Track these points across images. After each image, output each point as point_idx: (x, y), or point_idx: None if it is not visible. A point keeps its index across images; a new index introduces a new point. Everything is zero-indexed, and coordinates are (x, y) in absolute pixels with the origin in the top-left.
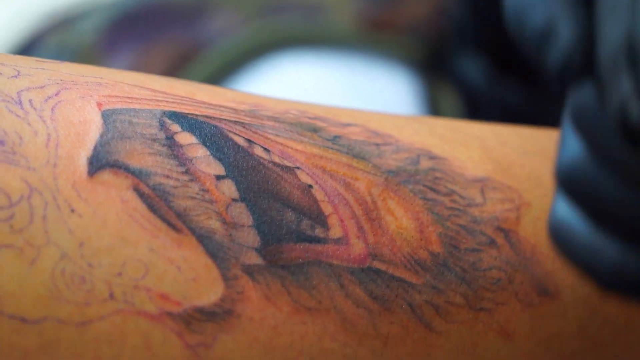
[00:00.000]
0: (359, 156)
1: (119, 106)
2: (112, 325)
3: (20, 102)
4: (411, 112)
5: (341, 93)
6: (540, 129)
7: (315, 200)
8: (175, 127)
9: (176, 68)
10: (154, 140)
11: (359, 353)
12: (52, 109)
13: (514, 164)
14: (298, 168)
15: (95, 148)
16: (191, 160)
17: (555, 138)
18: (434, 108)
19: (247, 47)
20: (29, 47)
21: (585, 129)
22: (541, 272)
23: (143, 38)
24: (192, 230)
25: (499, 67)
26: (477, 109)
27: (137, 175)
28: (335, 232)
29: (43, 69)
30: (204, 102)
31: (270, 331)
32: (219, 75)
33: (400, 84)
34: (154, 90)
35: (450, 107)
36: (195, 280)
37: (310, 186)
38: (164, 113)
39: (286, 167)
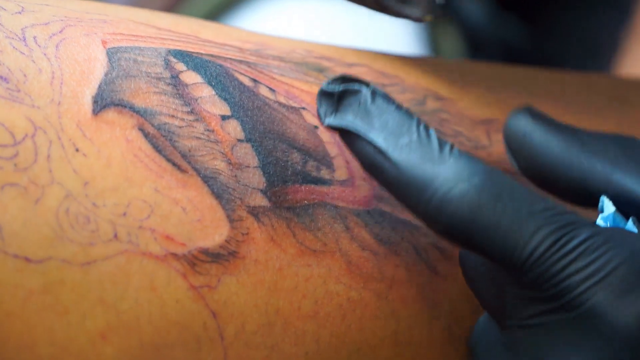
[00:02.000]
0: None
1: (123, 44)
2: (117, 266)
3: (24, 39)
4: (413, 52)
5: (344, 32)
6: (543, 69)
7: (321, 141)
8: (180, 66)
9: (176, 3)
10: (159, 79)
11: (364, 296)
12: (57, 46)
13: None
14: (304, 108)
15: (100, 87)
16: (196, 100)
17: (558, 79)
18: (436, 48)
19: None
20: None
21: None
22: None
23: None
24: (197, 171)
25: (500, 6)
26: (479, 48)
27: (142, 114)
28: (341, 173)
29: (47, 5)
30: (209, 41)
31: (275, 273)
32: (219, 11)
33: (402, 24)
34: (159, 28)
35: (453, 47)
36: (200, 221)
37: (316, 127)
38: (169, 51)
39: (292, 107)
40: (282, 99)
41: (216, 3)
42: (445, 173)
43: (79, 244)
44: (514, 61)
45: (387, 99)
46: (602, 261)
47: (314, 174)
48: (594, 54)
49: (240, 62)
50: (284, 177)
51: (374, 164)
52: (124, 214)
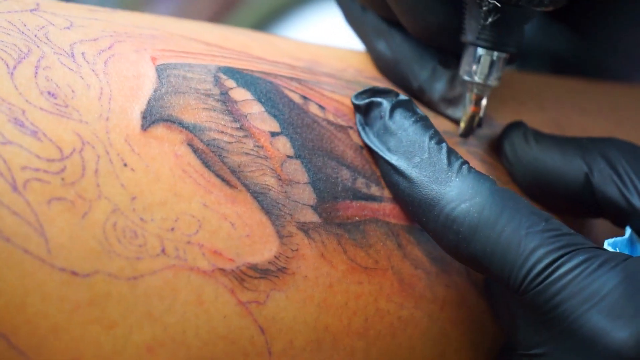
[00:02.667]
0: None
1: (173, 61)
2: (164, 280)
3: (72, 55)
4: None
5: None
6: (593, 81)
7: (368, 161)
8: (230, 83)
9: (221, 13)
10: (208, 95)
11: (415, 315)
12: (105, 63)
13: (571, 123)
14: (351, 128)
15: (149, 102)
16: (246, 116)
17: (609, 92)
18: None
19: None
20: None
21: None
22: None
23: None
24: (247, 187)
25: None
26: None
27: (191, 130)
28: None
29: (96, 19)
30: (259, 58)
31: (324, 290)
32: (264, 21)
33: None
34: (208, 44)
35: None
36: (249, 236)
37: (362, 147)
38: (219, 68)
39: (340, 125)
40: (330, 117)
41: (263, 13)
42: (450, 192)
43: (126, 258)
44: (562, 72)
45: (407, 111)
46: (597, 285)
47: (364, 190)
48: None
49: (291, 79)
50: (334, 194)
51: (391, 181)
52: (172, 229)
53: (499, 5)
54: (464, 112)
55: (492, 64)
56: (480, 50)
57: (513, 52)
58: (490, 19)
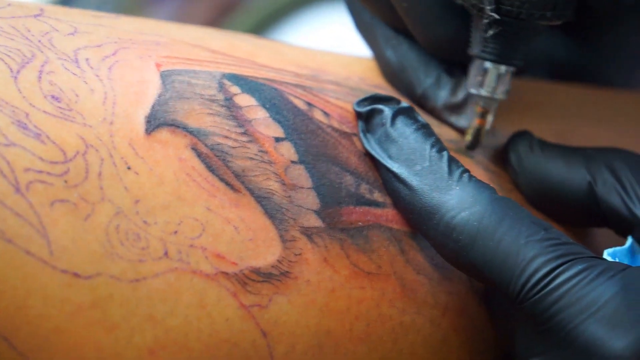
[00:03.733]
0: None
1: (177, 67)
2: (166, 283)
3: (76, 61)
4: None
5: None
6: (593, 88)
7: (371, 167)
8: (234, 89)
9: (219, 18)
10: (213, 101)
11: (417, 321)
12: (110, 68)
13: (575, 133)
14: (355, 135)
15: (153, 107)
16: (250, 122)
17: (609, 100)
18: None
19: None
20: None
21: None
22: None
23: None
24: (251, 191)
25: None
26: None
27: (196, 134)
28: None
29: (100, 25)
30: (264, 65)
31: (327, 294)
32: (262, 26)
33: None
34: (213, 52)
35: None
36: (253, 240)
37: (366, 154)
38: (224, 75)
39: (344, 132)
40: (335, 124)
41: (261, 17)
42: (451, 200)
43: (128, 261)
44: (561, 79)
45: (408, 119)
46: (595, 294)
47: (368, 196)
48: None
49: (296, 85)
50: (338, 199)
51: (392, 188)
52: (175, 232)
53: (498, 17)
54: (470, 125)
55: (498, 77)
56: (487, 64)
57: (520, 65)
58: (491, 32)
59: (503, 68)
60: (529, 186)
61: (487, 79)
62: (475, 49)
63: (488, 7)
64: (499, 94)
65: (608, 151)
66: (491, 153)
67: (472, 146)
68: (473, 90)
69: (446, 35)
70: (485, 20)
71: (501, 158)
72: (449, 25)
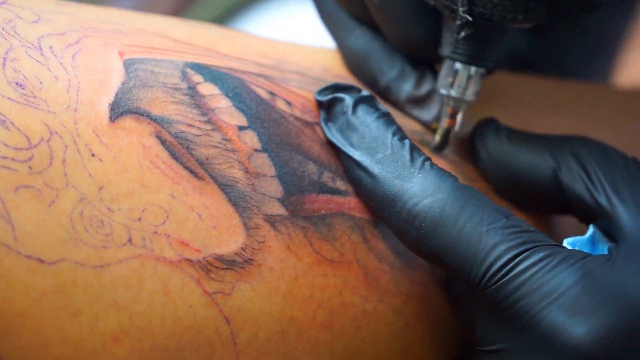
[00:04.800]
0: None
1: (140, 56)
2: (130, 270)
3: (40, 48)
4: None
5: None
6: (554, 79)
7: (334, 156)
8: (197, 78)
9: (182, 8)
10: (176, 89)
11: (379, 309)
12: (73, 56)
13: (535, 122)
14: (317, 124)
15: (116, 95)
16: (213, 110)
17: (570, 91)
18: None
19: None
20: None
21: None
22: None
23: None
24: (214, 179)
25: None
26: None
27: (159, 122)
28: None
29: (63, 13)
30: (226, 55)
31: (290, 282)
32: (225, 16)
33: None
34: (176, 41)
35: None
36: (216, 228)
37: (328, 142)
38: (187, 64)
39: (306, 122)
40: (297, 113)
41: (222, 8)
42: (413, 188)
43: (92, 247)
44: (521, 70)
45: (369, 107)
46: (556, 282)
47: (330, 184)
48: (598, 58)
49: (258, 75)
50: (301, 187)
51: (354, 176)
52: (139, 219)
53: (470, 19)
54: (439, 126)
55: (469, 78)
56: (458, 65)
57: (490, 67)
58: (463, 33)
59: (473, 69)
60: (494, 173)
61: (458, 80)
62: (446, 50)
63: (461, 9)
64: (469, 95)
65: (574, 139)
66: (455, 142)
67: (441, 147)
68: (443, 91)
69: (417, 35)
70: (458, 22)
71: (463, 148)
72: (420, 24)
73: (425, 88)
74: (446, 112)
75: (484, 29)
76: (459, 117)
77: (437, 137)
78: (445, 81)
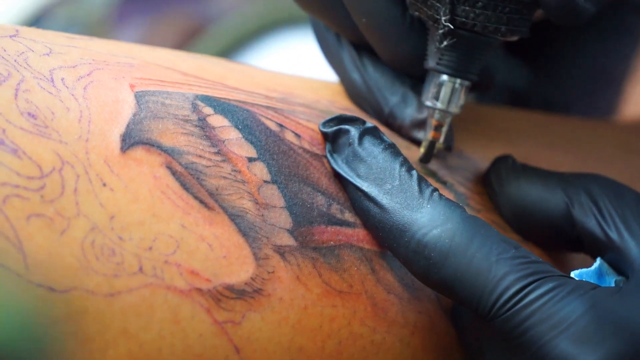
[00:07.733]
0: None
1: (151, 88)
2: (141, 298)
3: (52, 80)
4: None
5: None
6: (552, 115)
7: (342, 188)
8: (207, 110)
9: (185, 42)
10: (187, 121)
11: (387, 340)
12: (85, 88)
13: (540, 158)
14: (325, 156)
15: (128, 126)
16: (223, 142)
17: (567, 127)
18: None
19: (255, 23)
20: (38, 20)
21: None
22: None
23: (152, 12)
24: (224, 209)
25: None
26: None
27: (170, 153)
28: None
29: (74, 46)
30: (235, 88)
31: (299, 312)
32: (228, 50)
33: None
34: (185, 74)
35: None
36: (226, 258)
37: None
38: (197, 96)
39: (315, 154)
40: (306, 145)
41: (226, 42)
42: (422, 218)
43: (103, 275)
44: (520, 105)
45: (375, 138)
46: (566, 312)
47: (339, 216)
48: (603, 92)
49: (267, 107)
50: (310, 218)
51: (362, 207)
52: (150, 248)
53: (452, 27)
54: (424, 138)
55: (453, 91)
56: (443, 77)
57: (475, 80)
58: (445, 42)
59: (458, 82)
60: (507, 207)
61: (442, 93)
62: (431, 62)
63: (443, 18)
64: (453, 108)
65: (586, 176)
66: (460, 174)
67: (426, 159)
68: (428, 103)
69: (408, 51)
70: (440, 31)
71: (469, 179)
72: (410, 41)
73: (425, 111)
74: (431, 124)
75: (467, 40)
76: (444, 129)
77: (422, 150)
78: (430, 94)
